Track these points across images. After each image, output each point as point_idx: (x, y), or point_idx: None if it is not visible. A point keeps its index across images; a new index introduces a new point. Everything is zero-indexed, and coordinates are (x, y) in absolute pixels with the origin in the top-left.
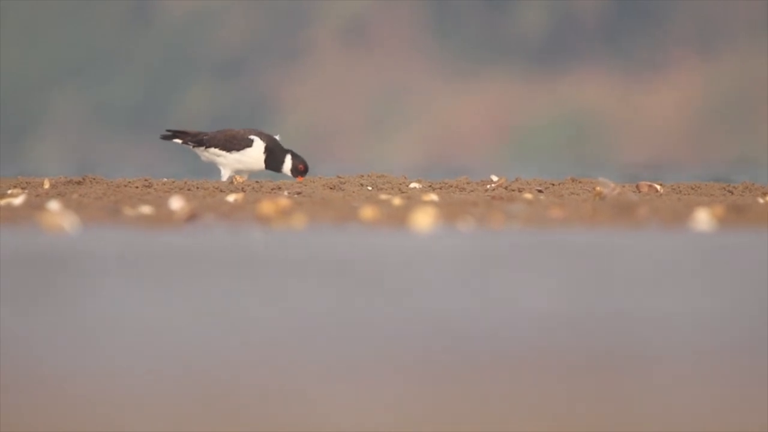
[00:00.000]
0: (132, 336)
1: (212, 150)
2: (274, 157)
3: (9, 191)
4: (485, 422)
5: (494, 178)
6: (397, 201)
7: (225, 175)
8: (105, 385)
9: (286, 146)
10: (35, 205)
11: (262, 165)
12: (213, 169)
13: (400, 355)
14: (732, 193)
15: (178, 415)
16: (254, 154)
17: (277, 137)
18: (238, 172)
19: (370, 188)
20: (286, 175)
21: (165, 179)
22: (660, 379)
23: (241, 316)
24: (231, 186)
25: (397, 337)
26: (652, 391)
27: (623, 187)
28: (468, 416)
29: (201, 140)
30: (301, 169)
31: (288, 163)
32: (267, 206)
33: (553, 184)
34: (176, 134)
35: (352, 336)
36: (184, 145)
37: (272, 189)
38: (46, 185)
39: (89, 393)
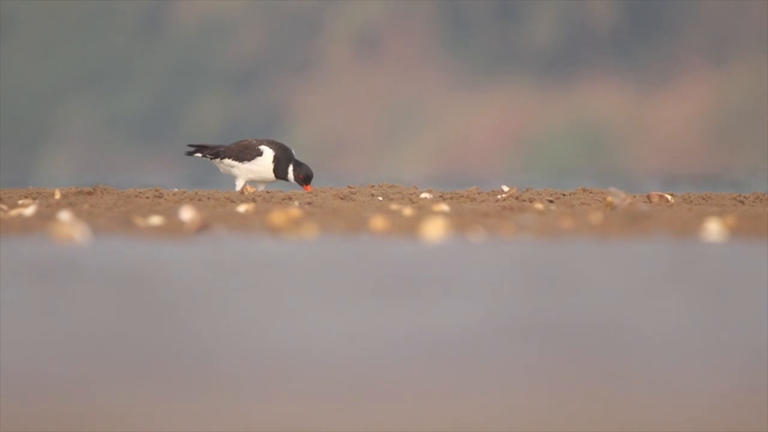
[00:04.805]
0: (140, 344)
1: (227, 161)
2: (281, 166)
3: (20, 202)
4: (490, 426)
5: (505, 189)
6: (407, 211)
7: (239, 185)
8: (105, 392)
9: (298, 156)
10: (46, 215)
11: (273, 175)
12: (222, 179)
13: (408, 365)
14: (743, 203)
15: (187, 425)
16: (264, 163)
17: (293, 151)
18: (253, 182)
19: (380, 198)
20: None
21: (176, 189)
22: (665, 387)
23: (249, 325)
24: (242, 196)
25: (407, 347)
26: (657, 398)
27: (634, 197)
28: (475, 421)
29: (217, 152)
30: (301, 178)
31: (290, 173)
32: (277, 216)
33: (564, 195)
34: (198, 149)
35: (360, 346)
36: (204, 159)
37: (283, 199)
38: (57, 195)
39: (89, 399)
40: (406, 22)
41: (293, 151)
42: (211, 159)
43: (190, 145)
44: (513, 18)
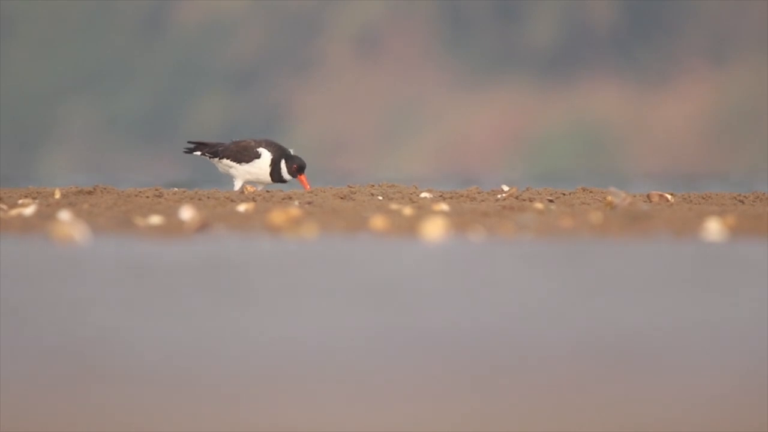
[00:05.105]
0: (141, 345)
1: (225, 161)
2: (277, 169)
3: (20, 201)
4: (490, 425)
5: (505, 188)
6: (407, 211)
7: (237, 185)
8: (105, 393)
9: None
10: (46, 215)
11: (269, 178)
12: (224, 178)
13: (409, 365)
14: (743, 203)
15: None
16: (262, 166)
17: (291, 150)
18: (250, 182)
19: (380, 198)
20: (297, 184)
21: (176, 189)
22: (664, 387)
23: (250, 326)
24: (242, 196)
25: (408, 347)
26: (658, 396)
27: (634, 196)
28: (475, 421)
29: (216, 151)
30: (294, 169)
31: (284, 167)
32: (277, 216)
33: (564, 194)
34: (197, 146)
35: (362, 346)
36: (203, 157)
37: (283, 198)
38: (57, 195)
39: (88, 401)
40: (406, 22)
41: (291, 152)
42: (210, 158)
43: (189, 143)
44: (513, 18)
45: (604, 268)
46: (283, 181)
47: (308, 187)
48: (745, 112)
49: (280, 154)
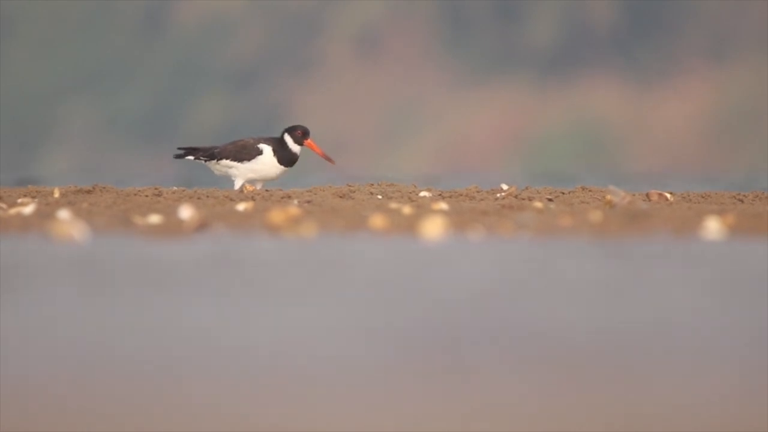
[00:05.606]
0: (138, 344)
1: (224, 162)
2: (283, 151)
3: (19, 200)
4: (490, 425)
5: (504, 187)
6: (407, 210)
7: (238, 184)
8: (106, 390)
9: (299, 157)
10: (45, 214)
11: (276, 170)
12: (222, 178)
13: (408, 365)
14: (742, 202)
15: (185, 420)
16: (267, 161)
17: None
18: (252, 181)
19: (380, 197)
20: (295, 183)
21: (175, 188)
22: (665, 386)
23: (249, 325)
24: (241, 195)
25: (408, 346)
26: (657, 395)
27: (633, 195)
28: (472, 419)
29: (212, 154)
30: (299, 135)
31: (290, 141)
32: (276, 215)
33: (563, 193)
34: (188, 152)
35: (361, 345)
36: (197, 161)
37: (282, 198)
38: (56, 194)
39: (89, 398)
40: (406, 22)
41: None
42: (206, 161)
43: (179, 148)
44: (513, 18)
45: (602, 267)
46: (293, 159)
47: (320, 150)
48: (745, 112)
49: (278, 138)
